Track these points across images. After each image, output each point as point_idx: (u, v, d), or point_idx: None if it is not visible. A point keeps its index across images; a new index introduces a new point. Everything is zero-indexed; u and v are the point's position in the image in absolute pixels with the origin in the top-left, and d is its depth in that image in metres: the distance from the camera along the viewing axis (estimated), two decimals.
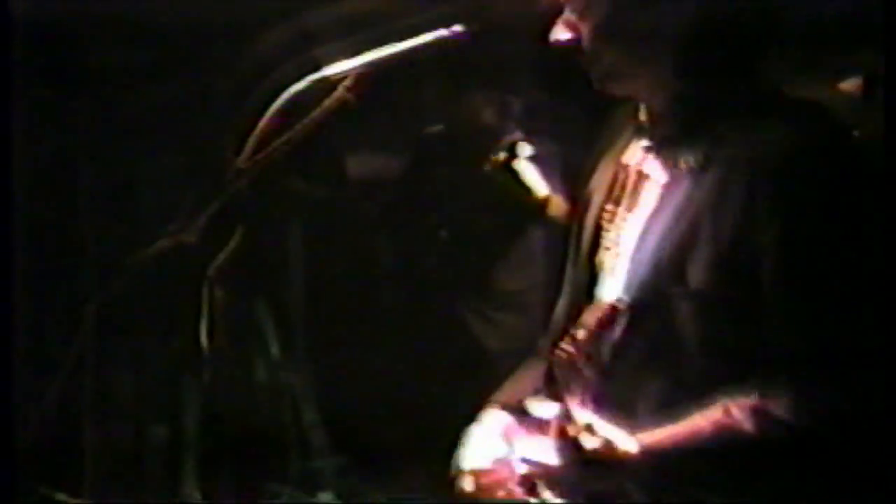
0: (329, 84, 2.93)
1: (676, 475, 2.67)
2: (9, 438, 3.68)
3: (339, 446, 5.66)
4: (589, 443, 2.58)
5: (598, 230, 2.92)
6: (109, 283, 3.12)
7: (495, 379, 3.12)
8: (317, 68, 2.97)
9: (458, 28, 2.96)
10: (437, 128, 5.43)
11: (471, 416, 3.03)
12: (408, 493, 5.14)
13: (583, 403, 2.74)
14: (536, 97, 5.19)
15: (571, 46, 2.79)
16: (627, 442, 2.60)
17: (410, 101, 5.35)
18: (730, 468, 2.66)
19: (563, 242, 3.09)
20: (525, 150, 4.60)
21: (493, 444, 2.93)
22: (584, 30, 2.78)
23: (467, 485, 2.91)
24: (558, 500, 2.77)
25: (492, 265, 5.44)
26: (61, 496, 4.39)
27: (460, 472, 2.95)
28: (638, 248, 2.80)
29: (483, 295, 5.45)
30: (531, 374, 3.04)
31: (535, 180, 4.59)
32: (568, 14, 2.79)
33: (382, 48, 2.98)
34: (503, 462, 2.85)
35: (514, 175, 4.71)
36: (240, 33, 5.50)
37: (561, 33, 2.80)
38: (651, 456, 2.63)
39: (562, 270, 3.03)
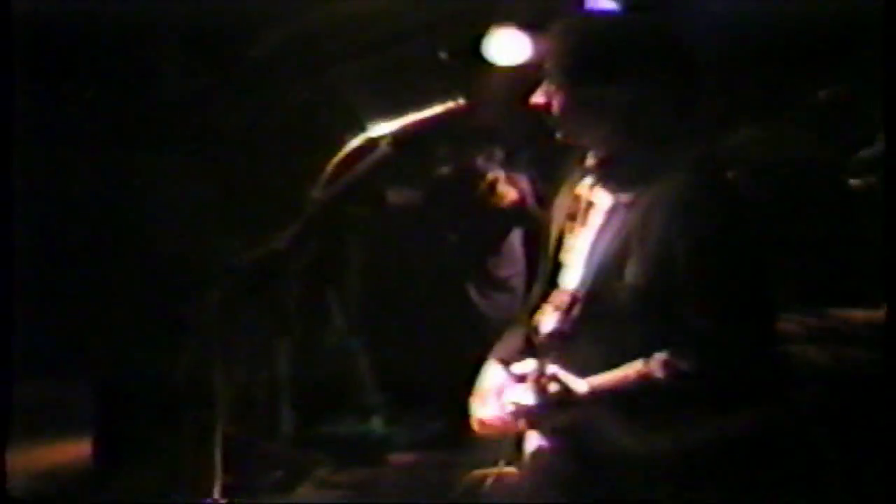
0: (374, 142, 2.91)
1: (611, 407, 2.62)
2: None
3: (386, 388, 5.62)
4: (552, 387, 2.58)
5: (560, 238, 2.87)
6: (224, 277, 3.07)
7: (492, 338, 3.04)
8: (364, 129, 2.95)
9: (462, 101, 2.94)
10: (446, 168, 5.43)
11: (476, 364, 2.97)
12: (434, 422, 5.11)
13: (549, 360, 2.67)
14: (513, 145, 5.19)
15: (543, 109, 2.76)
16: (580, 385, 2.60)
17: (428, 151, 5.32)
18: (647, 402, 2.62)
19: (536, 245, 3.05)
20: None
21: (490, 390, 2.88)
22: (556, 99, 2.74)
23: (475, 423, 2.86)
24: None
25: (487, 259, 5.42)
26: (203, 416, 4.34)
27: (471, 413, 2.89)
28: (589, 253, 2.76)
29: (482, 280, 5.42)
30: (514, 337, 2.95)
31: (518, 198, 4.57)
32: (546, 85, 2.76)
33: (410, 115, 2.95)
34: (498, 404, 2.80)
35: (498, 195, 4.69)
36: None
37: (539, 98, 2.77)
38: (595, 395, 2.61)
39: (536, 264, 2.98)
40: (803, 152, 4.02)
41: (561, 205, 2.91)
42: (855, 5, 4.10)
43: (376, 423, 5.56)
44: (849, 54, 4.46)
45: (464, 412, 2.92)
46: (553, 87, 2.75)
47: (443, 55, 4.95)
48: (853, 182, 3.86)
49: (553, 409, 2.61)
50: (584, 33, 2.76)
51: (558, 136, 2.80)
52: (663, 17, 2.82)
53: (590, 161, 2.81)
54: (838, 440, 3.62)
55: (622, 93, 2.68)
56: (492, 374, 2.92)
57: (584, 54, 2.72)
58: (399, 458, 5.18)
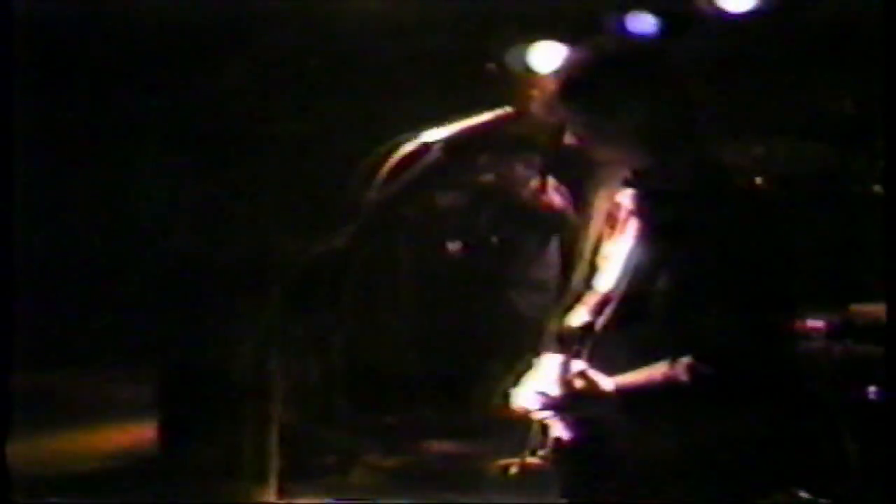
0: (427, 146, 2.95)
1: (635, 406, 2.65)
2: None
3: (430, 374, 5.63)
4: (579, 383, 2.63)
5: (598, 242, 2.89)
6: (285, 274, 3.09)
7: (529, 334, 3.05)
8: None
9: (510, 109, 2.98)
10: (490, 174, 5.47)
11: (514, 355, 2.95)
12: (473, 411, 5.06)
13: (579, 357, 2.71)
14: (553, 156, 5.20)
15: (577, 146, 2.78)
16: (607, 383, 2.64)
17: (474, 157, 5.33)
18: (670, 402, 2.63)
19: (571, 248, 3.06)
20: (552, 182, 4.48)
21: (528, 383, 2.83)
22: (583, 138, 2.75)
23: (507, 411, 2.83)
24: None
25: (526, 261, 5.42)
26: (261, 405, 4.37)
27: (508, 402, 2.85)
28: (625, 258, 2.77)
29: (520, 280, 5.44)
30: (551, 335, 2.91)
31: (557, 205, 4.60)
32: (570, 132, 2.77)
33: (460, 122, 2.99)
34: (530, 396, 2.78)
35: (544, 200, 4.71)
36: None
37: (569, 141, 2.78)
38: (621, 393, 2.64)
39: (570, 267, 2.97)
40: (824, 162, 4.05)
41: (599, 211, 2.92)
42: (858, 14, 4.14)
43: (422, 412, 5.60)
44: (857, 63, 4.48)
45: (500, 402, 2.91)
46: (576, 127, 2.75)
47: (490, 66, 4.99)
48: (876, 189, 3.89)
49: (578, 402, 2.65)
50: (586, 69, 2.77)
51: (597, 161, 2.83)
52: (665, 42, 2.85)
53: (627, 171, 2.82)
54: (856, 436, 3.65)
55: (640, 114, 2.70)
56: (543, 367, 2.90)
57: (589, 91, 2.72)
58: (441, 445, 5.21)
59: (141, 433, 5.17)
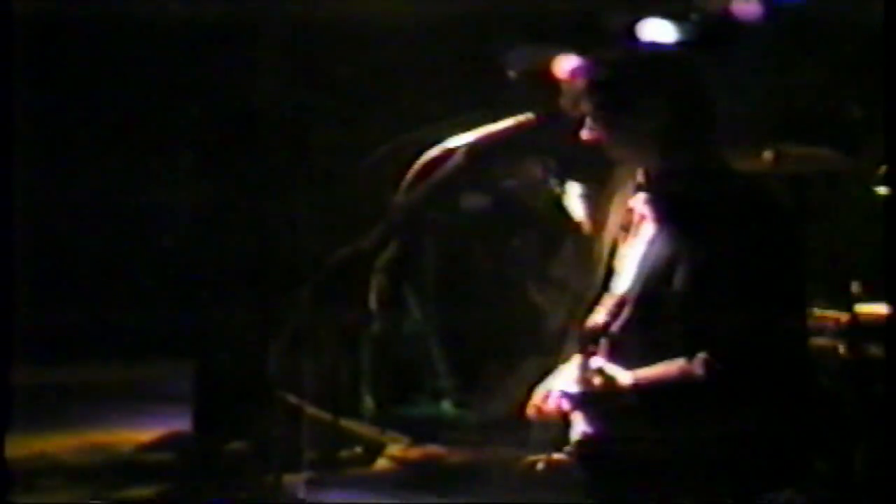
0: (451, 151, 3.01)
1: (653, 400, 2.68)
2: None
3: (456, 372, 5.64)
4: (597, 379, 2.66)
5: (614, 246, 2.92)
6: (316, 273, 3.15)
7: (550, 332, 3.12)
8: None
9: (531, 115, 3.04)
10: (511, 179, 5.46)
11: (536, 352, 3.07)
12: (497, 404, 5.05)
13: (598, 355, 2.74)
14: (570, 160, 5.23)
15: (594, 143, 2.82)
16: (624, 377, 2.67)
17: (496, 162, 5.34)
18: (685, 395, 2.66)
19: (589, 248, 3.12)
20: (573, 188, 4.52)
21: (551, 381, 2.91)
22: (601, 133, 2.80)
23: (530, 409, 2.90)
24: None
25: (545, 260, 5.44)
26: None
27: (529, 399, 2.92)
28: (640, 261, 2.81)
29: (541, 279, 5.45)
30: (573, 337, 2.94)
31: (575, 210, 4.62)
32: (589, 126, 2.81)
33: (483, 128, 3.06)
34: (553, 393, 2.84)
35: (562, 206, 4.72)
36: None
37: (586, 135, 2.82)
38: (639, 387, 2.67)
39: (588, 271, 3.02)
40: (834, 165, 4.07)
41: (615, 215, 2.95)
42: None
43: (446, 406, 5.62)
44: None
45: (523, 398, 2.96)
46: (595, 121, 2.79)
47: (511, 73, 5.00)
48: (880, 191, 3.90)
49: (598, 397, 2.68)
50: (614, 68, 2.82)
51: (611, 159, 2.88)
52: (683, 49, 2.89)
53: (641, 176, 2.85)
54: (869, 433, 3.68)
55: (656, 118, 2.75)
56: (565, 366, 2.92)
57: (615, 87, 2.78)
58: (465, 438, 5.21)
59: (177, 425, 5.22)
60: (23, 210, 3.61)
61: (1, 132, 3.36)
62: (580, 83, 2.82)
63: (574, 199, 4.68)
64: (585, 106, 2.81)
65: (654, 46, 4.47)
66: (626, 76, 2.80)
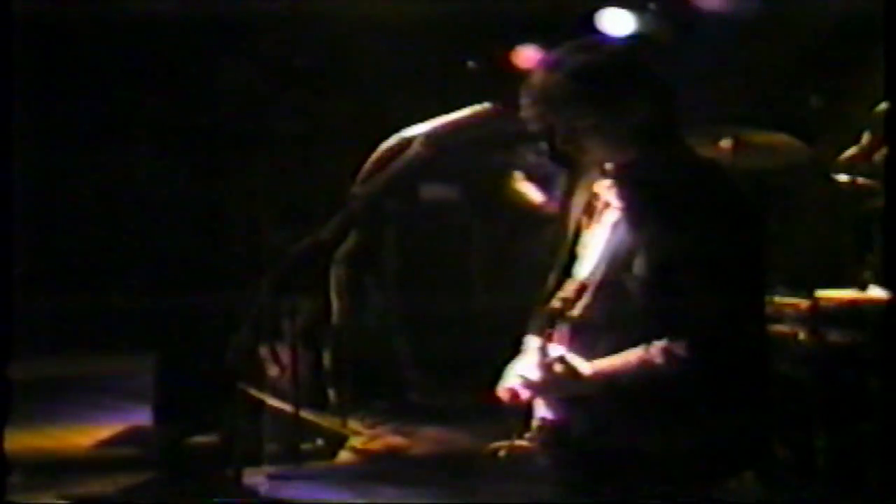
0: (408, 141, 3.00)
1: (614, 389, 2.70)
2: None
3: (421, 364, 5.66)
4: (558, 367, 2.69)
5: (577, 232, 2.94)
6: (277, 265, 3.13)
7: (513, 320, 3.10)
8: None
9: (491, 105, 3.03)
10: (475, 167, 5.49)
11: (499, 340, 3.04)
12: (463, 395, 5.09)
13: (558, 341, 2.77)
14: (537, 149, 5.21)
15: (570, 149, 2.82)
16: (585, 367, 2.69)
17: (457, 151, 5.32)
18: (645, 385, 2.68)
19: (553, 240, 3.13)
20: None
21: (512, 367, 2.93)
22: (575, 136, 2.79)
23: (500, 392, 2.90)
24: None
25: (510, 247, 5.50)
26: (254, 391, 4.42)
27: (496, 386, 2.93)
28: (603, 247, 2.83)
29: (503, 268, 5.53)
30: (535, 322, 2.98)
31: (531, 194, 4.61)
32: (560, 136, 2.79)
33: (441, 117, 3.05)
34: (513, 379, 2.86)
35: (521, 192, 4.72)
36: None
37: (560, 145, 2.81)
38: (598, 377, 2.70)
39: (552, 256, 3.03)
40: (793, 153, 4.10)
41: (579, 202, 2.97)
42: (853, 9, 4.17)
43: (411, 396, 5.64)
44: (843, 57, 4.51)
45: (485, 386, 2.98)
46: (569, 122, 2.77)
47: (471, 63, 5.00)
48: (841, 178, 3.94)
49: (558, 386, 2.72)
50: (593, 60, 2.79)
51: (585, 157, 2.85)
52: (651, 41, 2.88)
53: (608, 165, 2.87)
54: (829, 418, 3.69)
55: (638, 112, 2.75)
56: (525, 352, 2.96)
57: (594, 80, 2.75)
58: (429, 430, 5.22)
59: (136, 418, 5.21)
60: None
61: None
62: (550, 77, 2.78)
63: (527, 184, 4.70)
64: (553, 117, 2.77)
65: (628, 38, 4.47)
66: (607, 68, 2.78)
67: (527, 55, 4.80)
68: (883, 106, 3.71)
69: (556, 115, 2.77)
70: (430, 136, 3.01)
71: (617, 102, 2.74)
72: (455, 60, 4.85)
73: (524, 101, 2.80)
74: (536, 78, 2.80)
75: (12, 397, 3.68)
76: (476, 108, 3.04)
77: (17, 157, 3.43)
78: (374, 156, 3.00)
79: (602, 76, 2.76)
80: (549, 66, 2.79)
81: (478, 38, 4.98)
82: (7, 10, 3.37)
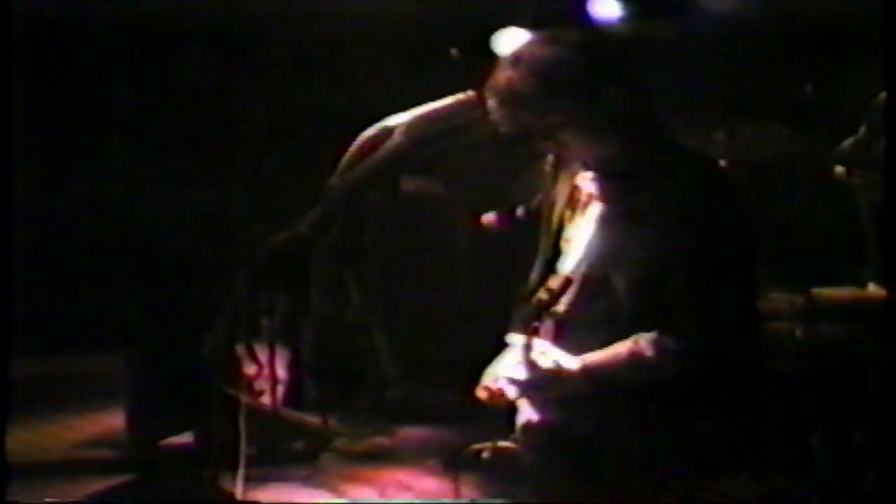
0: (388, 131, 2.98)
1: (604, 384, 2.65)
2: None
3: (403, 362, 5.62)
4: (543, 363, 2.64)
5: (560, 225, 2.88)
6: (253, 258, 3.10)
7: (496, 316, 3.01)
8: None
9: (472, 93, 2.97)
10: (457, 157, 5.45)
11: (483, 338, 2.97)
12: (447, 394, 4.92)
13: (543, 337, 2.71)
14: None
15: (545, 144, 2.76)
16: (571, 362, 2.65)
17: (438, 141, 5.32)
18: (637, 380, 2.63)
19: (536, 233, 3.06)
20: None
21: (496, 366, 2.87)
22: (547, 137, 2.71)
23: (479, 391, 2.86)
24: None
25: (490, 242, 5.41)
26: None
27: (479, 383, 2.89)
28: (587, 241, 2.78)
29: (485, 264, 5.46)
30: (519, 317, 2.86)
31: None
32: (536, 135, 2.71)
33: (423, 106, 3.02)
34: (499, 378, 2.80)
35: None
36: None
37: (538, 143, 2.74)
38: (587, 372, 2.65)
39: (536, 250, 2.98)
40: (788, 145, 4.08)
41: (562, 194, 2.91)
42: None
43: (391, 394, 5.59)
44: (834, 50, 4.51)
45: (469, 385, 2.92)
46: (543, 117, 2.69)
47: (454, 51, 4.98)
48: (837, 171, 3.93)
49: (545, 383, 2.66)
50: (568, 48, 2.71)
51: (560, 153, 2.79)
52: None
53: (590, 157, 2.80)
54: (821, 414, 3.68)
55: (615, 103, 2.67)
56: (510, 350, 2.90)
57: (569, 71, 2.67)
58: (412, 429, 5.20)
59: (111, 420, 5.18)
60: None
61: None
62: (514, 74, 2.69)
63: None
64: (524, 105, 2.68)
65: (604, 25, 4.44)
66: (571, 59, 2.69)
67: (508, 41, 4.75)
68: (882, 95, 3.69)
69: (527, 114, 2.69)
70: (411, 126, 2.97)
71: (586, 93, 2.67)
72: (437, 48, 4.82)
73: (491, 103, 2.72)
74: (500, 77, 2.72)
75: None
76: (459, 96, 2.99)
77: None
78: (354, 146, 2.97)
79: (567, 68, 2.68)
80: (511, 64, 2.70)
81: (461, 25, 4.95)
82: (7, 10, 3.39)
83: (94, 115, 5.29)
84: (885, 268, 3.31)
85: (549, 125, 2.68)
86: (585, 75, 2.67)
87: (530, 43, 2.75)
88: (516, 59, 2.71)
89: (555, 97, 2.67)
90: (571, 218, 2.86)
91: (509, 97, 2.68)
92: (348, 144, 3.00)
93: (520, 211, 4.81)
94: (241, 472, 3.80)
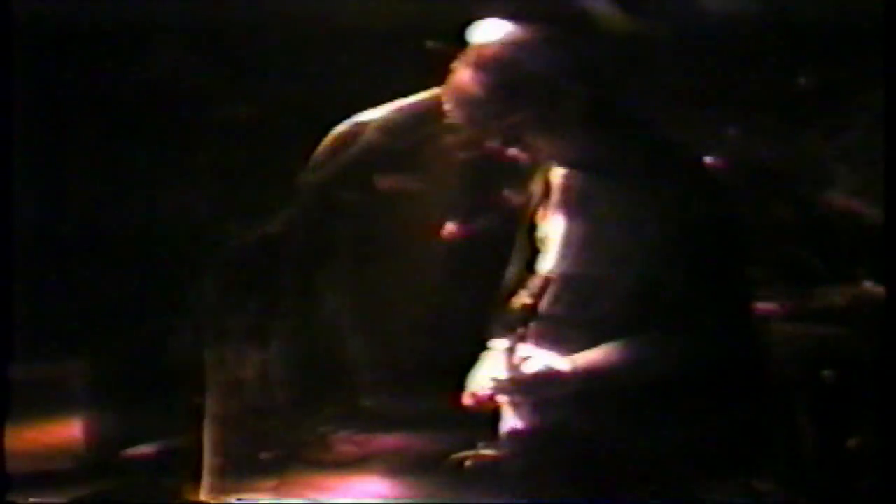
0: (362, 127, 2.93)
1: (597, 385, 2.64)
2: None
3: (377, 368, 5.56)
4: (529, 367, 2.61)
5: (535, 224, 2.89)
6: (219, 261, 3.10)
7: (475, 319, 3.06)
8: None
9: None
10: (432, 154, 5.42)
11: (463, 342, 2.99)
12: (423, 402, 4.95)
13: (525, 339, 2.70)
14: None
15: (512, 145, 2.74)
16: (562, 364, 2.62)
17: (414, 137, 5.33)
18: (629, 382, 2.64)
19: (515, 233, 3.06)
20: None
21: (483, 370, 2.89)
22: (512, 138, 2.71)
23: (466, 398, 2.87)
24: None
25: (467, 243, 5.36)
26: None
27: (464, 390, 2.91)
28: (564, 239, 2.77)
29: (462, 267, 5.38)
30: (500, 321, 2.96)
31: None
32: (501, 137, 2.71)
33: (398, 101, 2.97)
34: (483, 381, 2.80)
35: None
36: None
37: (505, 145, 2.73)
38: (578, 373, 2.63)
39: (514, 251, 3.00)
40: (781, 140, 4.08)
41: (536, 192, 2.93)
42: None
43: (366, 402, 5.51)
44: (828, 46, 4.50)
45: (447, 391, 2.95)
46: (511, 120, 2.69)
47: (430, 43, 4.98)
48: (831, 167, 3.93)
49: (535, 386, 2.63)
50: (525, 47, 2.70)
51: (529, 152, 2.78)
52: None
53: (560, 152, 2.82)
54: (817, 417, 3.67)
55: (580, 101, 2.66)
56: (492, 354, 2.93)
57: (527, 70, 2.67)
58: (388, 437, 5.16)
59: (71, 429, 5.08)
60: None
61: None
62: (469, 77, 2.68)
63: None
64: (483, 108, 2.66)
65: (588, 18, 4.42)
66: (524, 57, 2.67)
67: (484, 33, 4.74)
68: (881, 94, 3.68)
69: (488, 117, 2.67)
70: (385, 122, 2.96)
71: (546, 93, 2.64)
72: (413, 39, 4.81)
73: (449, 108, 2.70)
74: (456, 81, 2.70)
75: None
76: (435, 91, 2.91)
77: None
78: (326, 142, 2.95)
79: (522, 68, 2.65)
80: (466, 67, 2.69)
81: (437, 15, 4.94)
82: (7, 10, 3.41)
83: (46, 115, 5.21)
84: (883, 266, 3.31)
85: (509, 126, 2.66)
86: (538, 72, 2.63)
87: (486, 44, 2.71)
88: (471, 60, 2.69)
89: (512, 98, 2.65)
90: (545, 216, 2.86)
91: (465, 101, 2.67)
92: (320, 140, 2.92)
93: (481, 220, 4.85)
94: (205, 482, 3.78)
